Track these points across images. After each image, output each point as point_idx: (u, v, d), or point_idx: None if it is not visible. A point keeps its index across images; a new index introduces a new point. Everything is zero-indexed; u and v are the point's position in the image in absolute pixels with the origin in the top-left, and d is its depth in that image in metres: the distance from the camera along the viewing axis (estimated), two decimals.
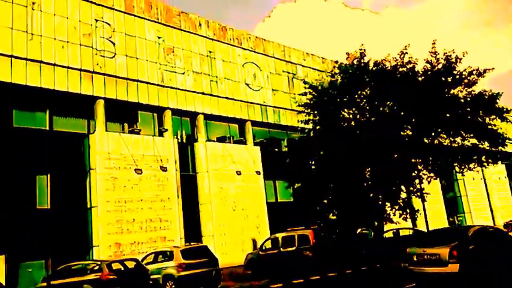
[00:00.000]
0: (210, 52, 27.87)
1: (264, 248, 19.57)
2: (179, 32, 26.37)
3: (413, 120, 18.66)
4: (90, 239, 20.46)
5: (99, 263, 14.77)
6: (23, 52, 19.30)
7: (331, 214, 20.58)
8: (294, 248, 18.07)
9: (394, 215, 19.26)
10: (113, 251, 20.20)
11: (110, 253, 20.01)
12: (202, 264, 15.65)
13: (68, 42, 20.95)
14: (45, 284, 15.16)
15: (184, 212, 23.83)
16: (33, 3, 20.17)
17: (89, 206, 20.80)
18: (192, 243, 18.93)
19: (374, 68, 19.09)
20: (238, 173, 27.00)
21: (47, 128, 20.61)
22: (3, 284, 16.97)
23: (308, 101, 20.28)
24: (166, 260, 15.94)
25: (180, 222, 23.27)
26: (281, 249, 18.53)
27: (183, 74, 25.77)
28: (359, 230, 22.89)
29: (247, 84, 29.70)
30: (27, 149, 20.23)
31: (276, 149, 31.33)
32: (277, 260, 18.39)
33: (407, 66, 18.83)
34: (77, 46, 21.24)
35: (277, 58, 32.69)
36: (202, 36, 27.68)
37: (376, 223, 19.65)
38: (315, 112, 20.03)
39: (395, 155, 18.80)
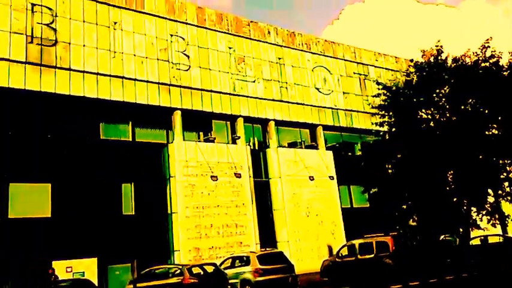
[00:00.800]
0: (280, 59, 28.09)
1: (340, 254, 19.16)
2: (249, 41, 26.92)
3: (500, 118, 17.29)
4: (172, 244, 21.42)
5: (180, 267, 15.39)
6: (107, 69, 20.83)
7: (411, 220, 19.64)
8: (372, 256, 17.49)
9: (481, 220, 17.91)
10: (193, 255, 20.98)
11: (189, 257, 20.80)
12: (278, 270, 15.72)
13: (146, 57, 22.27)
14: (131, 286, 16.11)
15: (259, 218, 24.13)
16: (115, 23, 21.72)
17: (169, 211, 21.81)
18: (267, 249, 19.07)
19: (453, 65, 18.01)
20: (311, 178, 26.80)
21: (130, 139, 21.99)
22: (96, 284, 18.28)
23: (382, 103, 19.58)
24: (243, 265, 16.22)
25: (255, 227, 23.59)
26: (358, 256, 18.03)
27: (254, 81, 26.22)
28: (442, 237, 21.61)
29: (318, 89, 29.47)
30: (113, 159, 21.73)
31: (349, 153, 30.69)
32: (355, 268, 17.91)
33: (491, 61, 17.53)
34: (154, 61, 22.50)
35: (347, 60, 32.10)
36: (271, 43, 28.01)
37: (461, 229, 18.42)
38: (390, 113, 19.27)
39: (481, 156, 17.53)
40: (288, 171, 26.02)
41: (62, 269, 18.84)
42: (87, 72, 20.20)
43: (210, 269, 15.57)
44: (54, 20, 19.78)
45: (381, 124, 19.60)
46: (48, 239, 19.16)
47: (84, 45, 20.39)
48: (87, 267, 19.27)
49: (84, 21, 20.71)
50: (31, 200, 19.43)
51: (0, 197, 18.48)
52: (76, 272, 19.03)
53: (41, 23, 19.38)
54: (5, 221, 18.41)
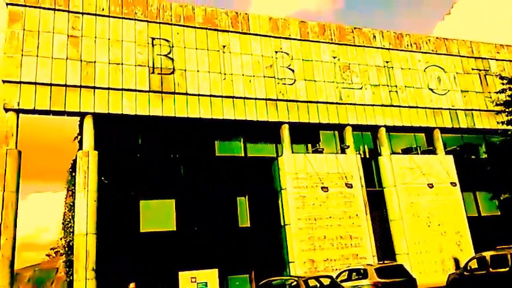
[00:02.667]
0: (387, 62, 27.06)
1: (468, 268, 17.56)
2: (353, 48, 26.45)
3: None
4: (286, 255, 21.77)
5: (296, 279, 15.55)
6: (219, 90, 22.18)
7: None
8: (506, 269, 15.71)
9: None
10: (308, 267, 21.03)
11: (304, 269, 20.90)
12: (399, 284, 15.00)
13: (253, 76, 23.23)
14: None
15: (374, 229, 23.31)
16: (224, 46, 23.12)
17: (282, 223, 22.24)
18: (386, 262, 18.30)
19: None
20: (430, 185, 25.09)
21: (242, 155, 23.02)
22: None
23: (508, 99, 17.70)
24: (360, 278, 15.81)
25: (370, 239, 22.81)
26: (490, 269, 16.33)
27: (361, 88, 25.62)
28: None
29: (431, 89, 27.66)
30: (228, 174, 22.97)
31: (473, 157, 28.09)
32: (486, 282, 16.25)
33: None
34: (261, 78, 23.36)
35: (463, 56, 29.63)
36: (377, 48, 27.16)
37: None
38: None
39: None
40: (403, 179, 24.74)
41: (187, 279, 20.32)
42: (202, 95, 21.76)
43: (326, 281, 15.46)
44: (171, 50, 21.77)
45: (509, 122, 17.70)
46: (174, 251, 20.89)
47: (198, 71, 22.06)
48: (209, 278, 20.51)
49: (196, 48, 22.43)
50: (158, 215, 21.43)
51: (133, 213, 20.74)
52: (200, 282, 20.39)
53: (160, 54, 21.47)
54: (138, 234, 20.58)
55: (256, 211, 22.58)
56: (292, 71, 24.22)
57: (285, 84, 23.75)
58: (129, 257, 19.73)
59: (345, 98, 25.03)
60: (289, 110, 23.47)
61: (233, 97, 22.45)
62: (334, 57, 25.65)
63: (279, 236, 22.34)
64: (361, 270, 16.18)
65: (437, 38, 29.73)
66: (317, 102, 24.22)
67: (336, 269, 20.12)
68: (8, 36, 19.07)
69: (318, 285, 15.18)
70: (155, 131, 21.54)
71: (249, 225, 22.38)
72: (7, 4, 19.50)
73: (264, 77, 23.49)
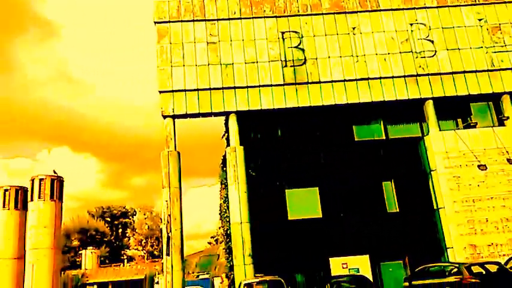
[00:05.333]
0: None
1: None
2: (503, 5, 23.20)
3: None
4: (443, 241, 20.34)
5: (457, 265, 14.50)
6: (352, 74, 21.67)
7: None
8: None
9: None
10: (469, 253, 19.33)
11: (465, 255, 19.26)
12: None
13: (388, 53, 22.10)
14: (407, 283, 16.13)
15: None
16: (353, 28, 22.48)
17: (435, 207, 20.82)
18: None
19: None
20: None
21: (383, 137, 22.14)
22: (371, 280, 19.10)
23: None
24: None
25: None
26: None
27: None
28: None
29: None
30: (369, 158, 22.43)
31: None
32: None
33: None
34: (397, 55, 22.09)
35: None
36: None
37: None
38: None
39: None
40: None
41: (338, 265, 20.52)
42: (335, 81, 21.53)
43: (493, 268, 14.05)
44: (301, 41, 22.01)
45: None
46: (322, 237, 21.25)
47: (329, 57, 21.89)
48: (361, 264, 20.37)
49: (325, 35, 22.27)
50: (304, 203, 22.04)
51: (280, 202, 21.73)
52: (351, 268, 20.40)
53: (291, 47, 21.87)
54: (286, 222, 21.50)
55: (405, 195, 21.71)
56: (432, 42, 22.33)
57: (424, 57, 22.04)
58: (281, 244, 20.75)
59: (498, 63, 22.13)
60: (432, 84, 21.73)
61: (368, 79, 21.71)
62: (480, 20, 22.85)
63: (432, 221, 21.00)
64: None
65: None
66: (464, 72, 21.91)
67: (504, 255, 18.10)
68: (159, 51, 21.57)
69: (484, 272, 13.87)
70: (292, 122, 22.10)
71: (397, 210, 21.67)
72: (155, 22, 22.04)
73: (400, 52, 22.15)
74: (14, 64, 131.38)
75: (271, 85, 21.35)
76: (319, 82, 21.50)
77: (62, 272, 39.08)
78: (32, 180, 22.54)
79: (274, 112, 21.36)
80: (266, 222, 20.41)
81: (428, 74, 21.82)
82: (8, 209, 22.93)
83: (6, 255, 22.35)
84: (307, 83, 21.47)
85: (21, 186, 23.62)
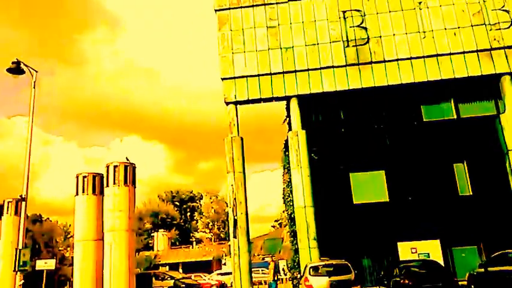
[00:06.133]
0: None
1: None
2: None
3: None
4: None
5: None
6: (419, 51, 20.59)
7: None
8: None
9: None
10: None
11: None
12: None
13: (458, 27, 20.74)
14: (482, 269, 15.36)
15: None
16: (420, 3, 21.30)
17: None
18: None
19: None
20: None
21: (454, 117, 20.95)
22: (443, 265, 18.39)
23: None
24: None
25: None
26: None
27: None
28: None
29: None
30: (439, 139, 21.38)
31: None
32: None
33: None
34: (468, 28, 20.67)
35: None
36: None
37: None
38: None
39: None
40: None
41: (407, 249, 19.96)
42: (401, 59, 20.60)
43: None
44: (363, 20, 21.26)
45: None
46: (390, 221, 20.73)
47: (394, 35, 20.96)
48: (431, 249, 19.67)
49: (390, 12, 21.31)
50: (369, 187, 21.59)
51: (344, 186, 21.45)
52: (421, 253, 19.76)
53: (353, 26, 21.21)
54: (351, 206, 21.21)
55: (479, 177, 20.53)
56: (507, 12, 20.59)
57: (499, 29, 20.41)
58: (346, 228, 20.56)
59: None
60: (509, 58, 20.09)
61: (437, 55, 20.52)
62: None
63: (510, 204, 19.68)
64: None
65: None
66: None
67: None
68: (220, 38, 21.87)
69: None
70: (356, 104, 21.53)
71: (471, 193, 20.59)
72: (216, 10, 22.34)
73: (472, 26, 20.69)
74: (86, 58, 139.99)
75: (332, 67, 20.90)
76: (384, 61, 20.68)
77: (137, 253, 41.65)
78: (107, 167, 23.99)
79: (337, 94, 20.93)
80: (330, 207, 20.29)
81: (504, 47, 20.19)
82: (87, 194, 24.67)
83: (88, 237, 24.19)
84: (371, 62, 20.74)
85: (98, 172, 25.28)
